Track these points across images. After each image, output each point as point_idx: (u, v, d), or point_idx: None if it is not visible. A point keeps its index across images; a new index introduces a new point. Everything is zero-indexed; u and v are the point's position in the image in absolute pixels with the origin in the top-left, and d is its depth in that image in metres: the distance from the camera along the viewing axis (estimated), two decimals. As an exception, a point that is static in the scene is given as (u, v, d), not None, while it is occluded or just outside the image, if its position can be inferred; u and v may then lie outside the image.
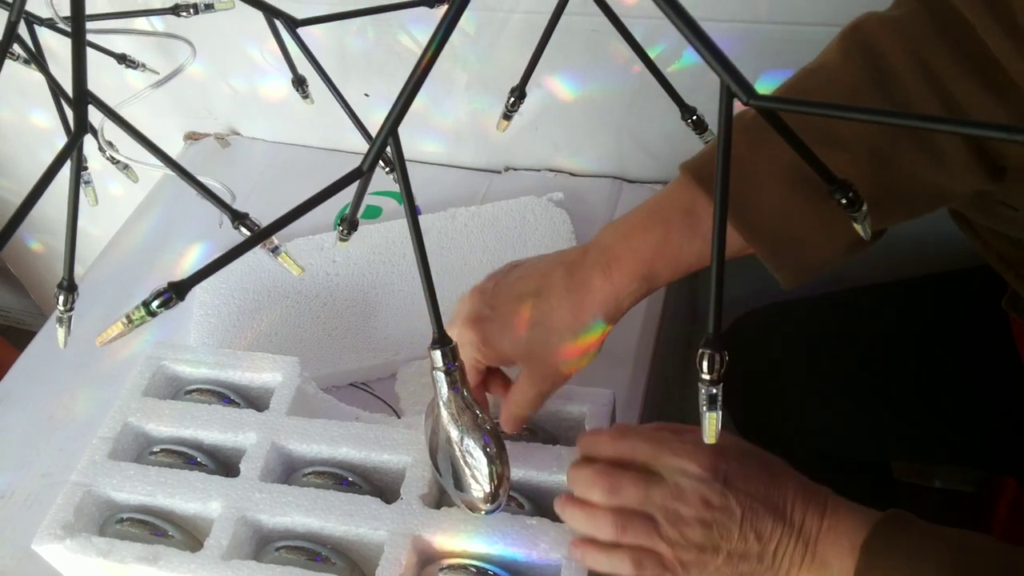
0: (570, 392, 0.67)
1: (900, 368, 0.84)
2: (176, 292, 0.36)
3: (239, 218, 0.51)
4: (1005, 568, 0.51)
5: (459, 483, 0.54)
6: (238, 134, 1.15)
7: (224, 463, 0.69)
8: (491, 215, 0.94)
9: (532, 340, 0.59)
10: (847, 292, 0.90)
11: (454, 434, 0.52)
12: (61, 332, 0.54)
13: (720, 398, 0.38)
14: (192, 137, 1.16)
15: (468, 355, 0.61)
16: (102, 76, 0.99)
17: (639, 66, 0.68)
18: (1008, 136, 0.28)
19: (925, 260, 0.91)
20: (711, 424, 0.39)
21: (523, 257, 0.90)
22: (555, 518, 0.61)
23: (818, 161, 0.41)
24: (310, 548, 0.63)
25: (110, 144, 0.76)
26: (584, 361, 0.60)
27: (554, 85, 0.93)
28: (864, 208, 0.46)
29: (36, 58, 0.61)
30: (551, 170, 1.03)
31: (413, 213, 0.42)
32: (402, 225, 0.95)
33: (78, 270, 0.56)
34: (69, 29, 0.73)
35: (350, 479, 0.66)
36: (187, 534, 0.65)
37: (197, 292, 0.91)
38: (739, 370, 0.92)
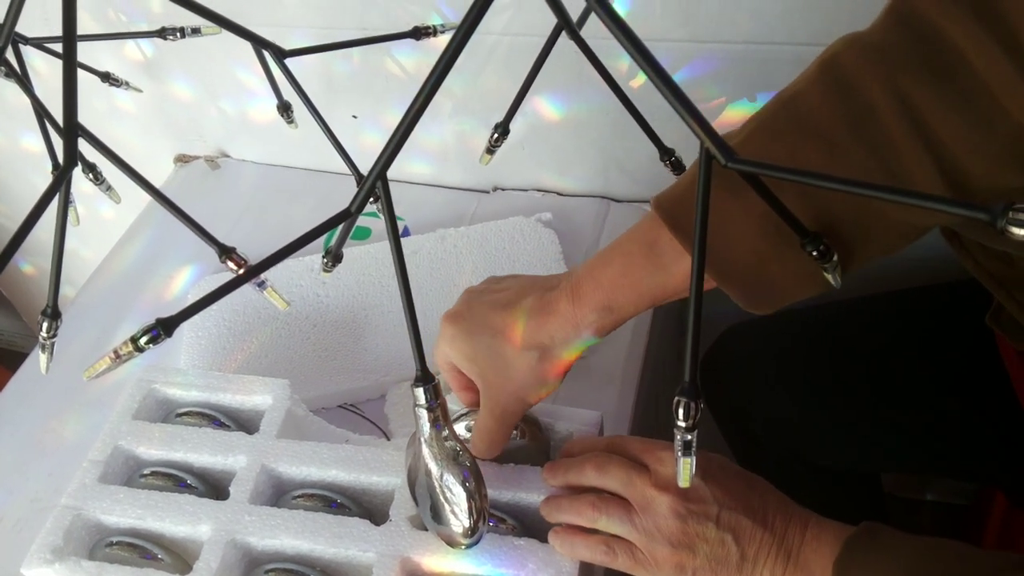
0: (557, 412, 0.68)
1: (888, 381, 0.84)
2: (164, 328, 0.37)
3: (226, 252, 0.52)
4: (969, 571, 0.52)
5: (438, 517, 0.55)
6: (228, 156, 1.16)
7: (214, 486, 0.70)
8: (480, 236, 0.95)
9: (490, 349, 0.59)
10: (834, 305, 0.91)
11: (434, 469, 0.53)
12: (44, 358, 0.54)
13: (695, 444, 0.39)
14: (182, 160, 1.16)
15: (442, 352, 0.62)
16: (89, 95, 1.00)
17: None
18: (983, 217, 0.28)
19: (913, 273, 0.91)
20: (685, 469, 0.39)
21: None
22: (543, 539, 0.61)
23: (791, 216, 0.42)
24: (299, 571, 0.63)
25: (93, 166, 0.77)
26: (541, 391, 0.60)
27: (540, 106, 0.94)
28: (835, 259, 0.47)
29: (23, 81, 0.61)
30: (539, 190, 1.04)
31: (401, 261, 0.43)
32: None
33: (68, 292, 0.57)
34: (56, 49, 0.74)
35: (339, 501, 0.66)
36: (177, 557, 0.66)
37: (187, 314, 0.91)
38: (726, 384, 0.92)
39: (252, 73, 1.02)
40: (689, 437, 0.39)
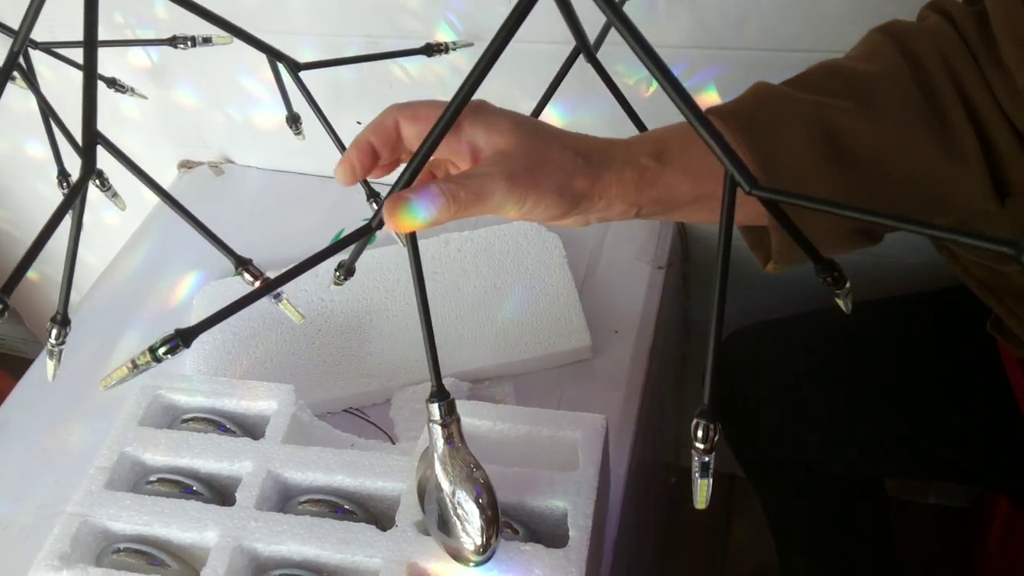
0: (562, 417, 0.68)
1: (890, 386, 0.84)
2: (182, 339, 0.37)
3: (243, 264, 0.52)
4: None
5: (448, 532, 0.55)
6: (232, 162, 1.16)
7: (220, 492, 0.70)
8: (484, 240, 0.95)
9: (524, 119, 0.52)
10: (836, 310, 0.91)
11: (446, 486, 0.53)
12: (51, 365, 0.54)
13: (712, 466, 0.39)
14: (186, 166, 1.17)
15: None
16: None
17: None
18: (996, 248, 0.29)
19: (915, 278, 0.92)
20: (703, 491, 0.40)
21: (515, 283, 0.91)
22: (550, 543, 0.61)
23: (808, 244, 0.42)
24: (306, 576, 0.63)
25: (100, 173, 0.77)
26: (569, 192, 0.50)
27: (545, 113, 0.93)
28: (848, 286, 0.47)
29: (36, 88, 0.62)
30: (543, 194, 1.04)
31: (420, 279, 0.43)
32: (396, 251, 0.96)
33: (73, 298, 0.57)
34: (63, 53, 0.74)
35: (345, 507, 0.66)
36: (184, 563, 0.66)
37: (193, 319, 0.91)
38: (729, 388, 0.92)
39: (256, 80, 1.02)
40: (707, 459, 0.39)
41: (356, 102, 0.99)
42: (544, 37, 0.81)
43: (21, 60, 0.66)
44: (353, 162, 0.51)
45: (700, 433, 0.39)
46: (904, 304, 0.89)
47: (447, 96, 0.50)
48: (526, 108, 0.67)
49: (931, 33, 0.53)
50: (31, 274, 1.57)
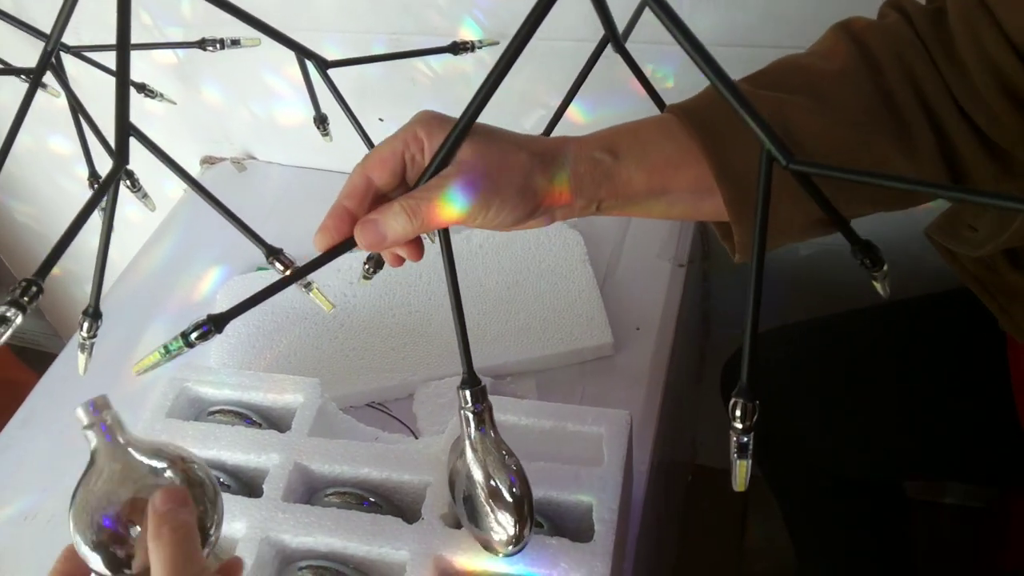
0: (586, 413, 0.68)
1: (905, 388, 0.84)
2: (215, 325, 0.38)
3: (273, 254, 0.53)
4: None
5: (480, 524, 0.54)
6: (254, 158, 1.17)
7: (247, 484, 0.70)
8: (506, 237, 0.96)
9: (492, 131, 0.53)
10: (851, 313, 0.91)
11: (479, 476, 0.52)
12: (83, 358, 0.55)
13: (751, 446, 0.39)
14: (208, 161, 1.17)
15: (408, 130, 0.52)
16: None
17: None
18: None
19: (928, 279, 0.91)
20: (741, 472, 0.40)
21: (537, 280, 0.91)
22: (575, 537, 0.61)
23: (846, 224, 0.42)
24: (333, 568, 0.64)
25: (131, 173, 0.78)
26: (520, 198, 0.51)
27: (568, 109, 0.94)
28: (885, 268, 0.47)
29: (67, 88, 0.62)
30: (564, 191, 1.04)
31: (453, 276, 0.44)
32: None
33: (96, 292, 0.58)
34: (93, 57, 0.75)
35: (371, 499, 0.66)
36: (211, 554, 0.66)
37: (216, 314, 0.92)
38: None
39: (280, 76, 1.02)
40: (745, 439, 0.39)
41: (380, 99, 1.00)
42: (570, 35, 0.82)
43: (52, 60, 0.67)
44: (331, 229, 0.53)
45: (739, 412, 0.39)
46: (919, 305, 0.89)
47: (471, 92, 0.50)
48: (552, 104, 0.67)
49: (889, 32, 0.54)
50: (53, 269, 1.58)
